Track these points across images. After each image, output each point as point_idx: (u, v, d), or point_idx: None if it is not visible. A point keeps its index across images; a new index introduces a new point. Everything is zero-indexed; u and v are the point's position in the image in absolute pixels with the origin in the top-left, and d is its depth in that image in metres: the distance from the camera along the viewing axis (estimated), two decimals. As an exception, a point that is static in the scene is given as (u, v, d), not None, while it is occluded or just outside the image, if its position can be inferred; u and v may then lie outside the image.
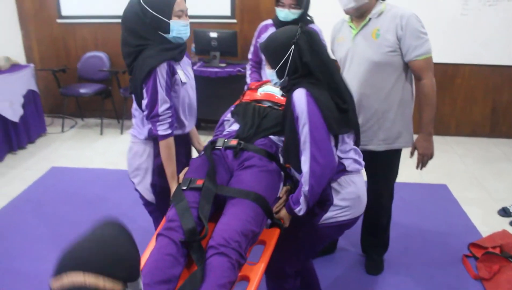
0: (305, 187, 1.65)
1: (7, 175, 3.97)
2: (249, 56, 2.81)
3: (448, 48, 4.67)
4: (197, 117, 2.16)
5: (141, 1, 1.81)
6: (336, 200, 1.74)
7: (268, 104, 2.19)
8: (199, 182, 1.77)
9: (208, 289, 1.43)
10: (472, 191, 3.68)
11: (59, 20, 5.22)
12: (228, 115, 2.21)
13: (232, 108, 2.23)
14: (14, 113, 4.35)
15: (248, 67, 2.85)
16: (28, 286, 2.49)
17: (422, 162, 2.34)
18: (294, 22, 2.44)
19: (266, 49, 1.74)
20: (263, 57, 1.77)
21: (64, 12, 5.19)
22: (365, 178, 2.07)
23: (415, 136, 2.33)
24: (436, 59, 4.81)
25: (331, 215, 1.76)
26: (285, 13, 2.45)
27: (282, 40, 1.69)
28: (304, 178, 1.64)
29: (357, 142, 1.82)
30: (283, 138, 1.98)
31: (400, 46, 2.12)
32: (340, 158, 1.73)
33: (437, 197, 3.56)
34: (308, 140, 1.61)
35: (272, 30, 2.62)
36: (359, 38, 2.20)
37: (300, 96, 1.62)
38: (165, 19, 1.82)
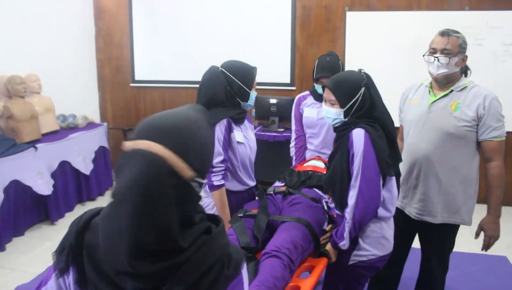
0: (349, 221, 1.78)
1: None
2: (293, 127, 2.90)
3: (509, 117, 4.61)
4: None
5: (225, 71, 2.12)
6: (361, 239, 1.85)
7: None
8: (254, 211, 2.00)
9: (263, 279, 1.57)
10: (537, 266, 3.48)
11: (132, 84, 5.70)
12: (275, 183, 2.43)
13: None
14: (86, 167, 4.71)
15: (292, 137, 2.90)
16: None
17: (488, 244, 2.28)
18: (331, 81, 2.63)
19: (337, 90, 1.87)
20: (328, 97, 1.91)
21: (137, 77, 5.68)
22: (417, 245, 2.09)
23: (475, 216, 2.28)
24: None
25: (357, 253, 1.86)
26: None
27: (353, 81, 1.86)
28: (350, 210, 1.78)
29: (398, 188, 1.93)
30: (326, 195, 2.17)
31: (478, 125, 2.13)
32: None
33: (497, 269, 3.40)
34: (359, 177, 1.75)
35: (310, 98, 2.78)
36: (437, 106, 2.20)
37: (359, 135, 1.77)
38: (247, 89, 2.11)
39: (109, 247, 0.81)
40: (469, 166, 2.22)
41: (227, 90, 2.11)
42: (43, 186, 4.00)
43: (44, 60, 4.78)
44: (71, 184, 4.53)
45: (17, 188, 3.79)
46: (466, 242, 3.81)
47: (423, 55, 2.21)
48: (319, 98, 2.71)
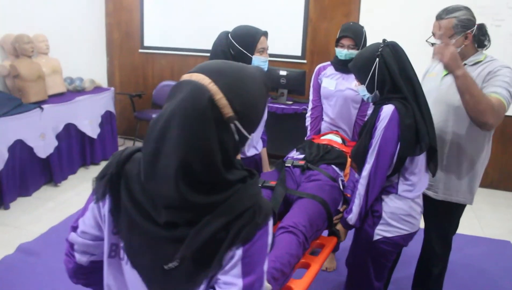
0: (361, 194, 1.82)
1: (79, 186, 4.26)
2: (310, 96, 2.86)
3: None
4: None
5: (230, 36, 2.05)
6: (385, 215, 1.86)
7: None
8: (272, 183, 2.01)
9: (279, 254, 1.58)
10: (540, 251, 3.46)
11: (141, 50, 5.64)
12: (292, 152, 2.38)
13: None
14: (93, 131, 4.70)
15: (309, 107, 2.86)
16: None
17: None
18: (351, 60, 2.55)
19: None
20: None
21: (146, 43, 5.61)
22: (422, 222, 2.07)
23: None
24: (509, 111, 4.69)
25: (381, 228, 1.87)
26: (345, 53, 2.58)
27: (366, 54, 1.85)
28: (362, 185, 1.82)
29: (433, 168, 1.91)
30: (342, 173, 2.16)
31: (482, 87, 1.97)
32: (396, 181, 1.87)
33: (499, 253, 3.39)
34: (375, 153, 1.77)
35: (331, 68, 2.73)
36: (447, 80, 2.12)
37: (387, 111, 1.76)
38: (248, 54, 2.06)
39: (153, 169, 0.87)
40: (476, 145, 2.11)
41: (226, 55, 2.05)
42: (43, 148, 3.99)
43: (53, 21, 4.71)
44: (75, 147, 4.52)
45: (22, 148, 3.79)
46: (470, 225, 3.82)
47: (426, 40, 2.13)
48: (339, 68, 2.66)
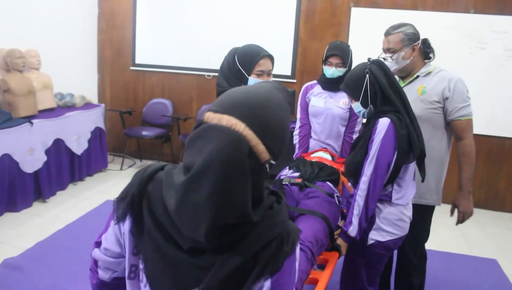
0: (360, 205, 1.87)
1: (67, 202, 4.23)
2: (298, 115, 2.87)
3: (506, 122, 4.63)
4: None
5: (236, 53, 2.09)
6: (378, 220, 1.94)
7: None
8: None
9: None
10: (526, 270, 3.50)
11: (132, 68, 5.67)
12: (285, 170, 2.41)
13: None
14: (78, 147, 4.68)
15: (297, 126, 2.87)
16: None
17: (463, 219, 2.36)
18: (339, 79, 2.62)
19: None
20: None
21: (137, 61, 5.65)
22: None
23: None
24: (494, 132, 4.78)
25: (375, 233, 1.95)
26: (332, 71, 2.61)
27: (356, 73, 1.95)
28: (361, 195, 1.87)
29: (423, 173, 2.02)
30: (336, 189, 2.21)
31: (445, 106, 2.24)
32: (390, 190, 1.95)
33: (486, 271, 3.41)
34: (374, 160, 1.85)
35: (318, 87, 2.76)
36: (407, 89, 2.29)
37: (384, 124, 1.86)
38: (245, 73, 2.06)
39: (184, 216, 0.82)
40: (439, 148, 2.31)
41: (230, 70, 2.07)
42: (30, 163, 3.96)
43: (45, 37, 4.74)
44: (64, 162, 4.50)
45: (11, 163, 3.76)
46: (457, 244, 3.85)
47: (378, 57, 2.27)
48: (327, 87, 2.70)
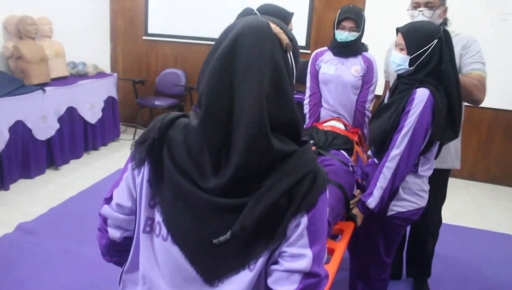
0: (387, 178, 1.80)
1: (79, 170, 4.27)
2: (308, 83, 2.80)
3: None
4: None
5: (257, 12, 2.04)
6: (401, 190, 1.87)
7: None
8: None
9: None
10: (540, 245, 3.45)
11: (144, 37, 5.61)
12: None
13: None
14: (92, 116, 4.69)
15: (307, 94, 2.82)
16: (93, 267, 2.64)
17: None
18: (351, 44, 2.55)
19: (408, 34, 1.80)
20: (399, 41, 1.85)
21: (150, 30, 5.59)
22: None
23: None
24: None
25: (396, 204, 1.89)
26: (346, 35, 2.52)
27: (428, 30, 1.77)
28: (390, 168, 1.79)
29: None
30: (350, 158, 2.16)
31: (460, 63, 2.16)
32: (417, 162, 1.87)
33: (500, 246, 3.37)
34: (408, 137, 1.74)
35: (328, 54, 2.67)
36: None
37: (423, 95, 1.73)
38: None
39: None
40: None
41: None
42: (43, 130, 3.98)
43: (58, 5, 4.70)
44: (78, 131, 4.51)
45: (24, 130, 3.78)
46: (471, 219, 3.80)
47: (407, 10, 2.26)
48: (338, 52, 2.61)
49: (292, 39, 0.89)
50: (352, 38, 2.53)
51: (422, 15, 2.15)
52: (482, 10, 4.42)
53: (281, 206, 0.82)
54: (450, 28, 2.23)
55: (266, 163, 0.82)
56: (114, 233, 1.01)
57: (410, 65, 1.79)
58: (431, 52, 1.74)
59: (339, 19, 2.53)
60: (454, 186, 4.21)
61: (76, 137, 4.50)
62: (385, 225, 1.95)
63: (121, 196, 0.98)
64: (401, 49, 1.82)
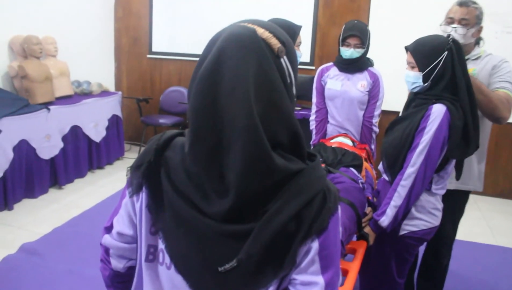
0: (402, 197, 1.75)
1: (84, 189, 4.23)
2: (314, 99, 2.78)
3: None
4: None
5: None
6: (414, 209, 1.82)
7: None
8: None
9: None
10: (553, 261, 3.37)
11: (149, 56, 5.63)
12: None
13: None
14: (96, 134, 4.67)
15: (313, 110, 2.79)
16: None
17: None
18: (357, 60, 2.54)
19: (416, 51, 1.77)
20: (409, 59, 1.82)
21: (154, 48, 5.60)
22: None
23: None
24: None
25: (409, 223, 1.83)
26: (350, 52, 2.51)
27: (435, 43, 1.73)
28: (405, 186, 1.74)
29: (459, 171, 1.88)
30: (360, 175, 2.12)
31: (488, 82, 2.09)
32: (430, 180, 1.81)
33: (512, 261, 3.30)
34: (424, 155, 1.69)
35: (334, 69, 2.65)
36: None
37: (439, 111, 1.69)
38: None
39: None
40: (483, 136, 2.16)
41: None
42: (47, 149, 3.96)
43: (62, 25, 4.72)
44: (82, 149, 4.49)
45: (28, 149, 3.77)
46: (483, 234, 3.73)
47: (440, 25, 2.16)
48: (344, 68, 2.60)
49: (284, 42, 0.81)
50: (358, 55, 2.51)
51: (455, 32, 2.07)
52: (487, 24, 4.41)
53: (290, 231, 0.77)
54: (482, 48, 2.20)
55: (271, 184, 0.77)
56: (117, 264, 0.97)
57: (424, 81, 1.76)
58: (443, 65, 1.70)
59: (343, 36, 2.51)
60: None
61: (80, 156, 4.48)
62: (398, 245, 1.89)
63: (121, 224, 0.93)
64: (412, 67, 1.80)
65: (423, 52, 1.75)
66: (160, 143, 0.86)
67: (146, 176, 0.85)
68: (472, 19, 2.08)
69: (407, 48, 1.83)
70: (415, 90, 1.82)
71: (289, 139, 0.79)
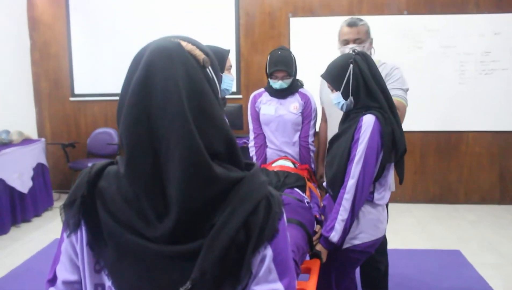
0: (347, 209, 1.76)
1: (9, 247, 3.90)
2: (250, 126, 2.80)
3: (449, 116, 4.77)
4: None
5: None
6: (355, 223, 1.83)
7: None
8: None
9: None
10: (488, 256, 3.55)
11: (71, 98, 5.42)
12: None
13: None
14: (22, 185, 4.38)
15: (251, 137, 2.80)
16: None
17: None
18: (287, 90, 2.60)
19: (328, 75, 1.88)
20: (328, 84, 1.92)
21: (76, 91, 5.41)
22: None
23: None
24: (440, 127, 4.95)
25: (351, 237, 1.84)
26: (279, 84, 2.57)
27: (340, 62, 1.84)
28: (348, 199, 1.76)
29: (400, 173, 1.91)
30: (304, 194, 2.21)
31: None
32: (372, 190, 1.85)
33: (451, 262, 3.43)
34: (361, 164, 1.74)
35: (266, 95, 2.70)
36: None
37: (369, 121, 1.75)
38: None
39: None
40: None
41: None
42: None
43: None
44: (4, 203, 4.16)
45: None
46: (419, 239, 3.87)
47: (338, 48, 2.35)
48: (275, 94, 2.65)
49: (207, 53, 0.84)
50: (286, 86, 2.58)
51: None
52: (399, 40, 4.71)
53: (240, 242, 0.76)
54: (374, 57, 2.30)
55: (213, 195, 0.75)
56: None
57: (345, 98, 1.84)
58: (354, 77, 1.80)
59: (270, 71, 2.56)
60: (398, 210, 4.30)
61: (3, 211, 4.14)
62: (340, 258, 1.90)
63: (64, 272, 0.86)
64: (332, 90, 1.90)
65: (333, 73, 1.87)
66: (91, 175, 0.82)
67: (82, 212, 0.81)
68: (363, 36, 2.28)
69: (321, 76, 1.95)
70: (344, 109, 1.90)
71: (225, 148, 0.79)
